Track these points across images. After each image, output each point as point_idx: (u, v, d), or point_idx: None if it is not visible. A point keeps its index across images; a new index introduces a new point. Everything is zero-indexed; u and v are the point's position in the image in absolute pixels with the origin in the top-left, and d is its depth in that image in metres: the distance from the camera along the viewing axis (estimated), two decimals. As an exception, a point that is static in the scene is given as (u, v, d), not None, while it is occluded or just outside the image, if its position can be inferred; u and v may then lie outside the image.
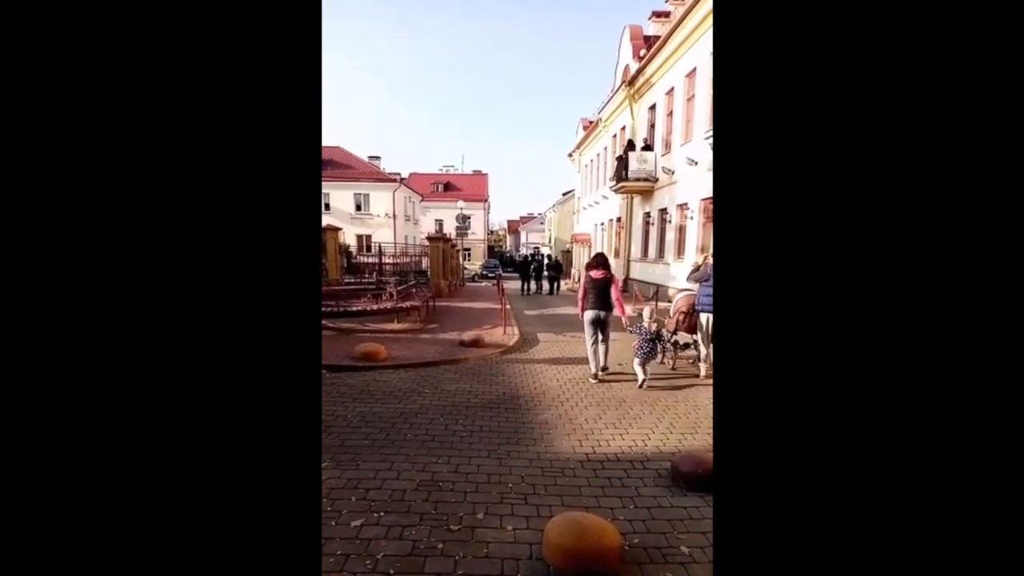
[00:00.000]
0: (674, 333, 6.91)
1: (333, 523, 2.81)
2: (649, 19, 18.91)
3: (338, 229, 16.16)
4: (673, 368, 6.80)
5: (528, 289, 20.14)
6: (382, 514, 2.93)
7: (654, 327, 5.90)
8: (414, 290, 12.00)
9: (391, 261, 19.09)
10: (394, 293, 10.79)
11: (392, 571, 2.40)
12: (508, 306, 10.68)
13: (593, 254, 6.69)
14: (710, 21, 11.40)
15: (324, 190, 32.91)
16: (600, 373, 6.22)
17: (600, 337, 6.17)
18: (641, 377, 5.85)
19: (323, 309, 9.50)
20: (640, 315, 6.24)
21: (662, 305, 7.73)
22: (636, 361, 5.93)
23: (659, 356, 6.19)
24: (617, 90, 19.29)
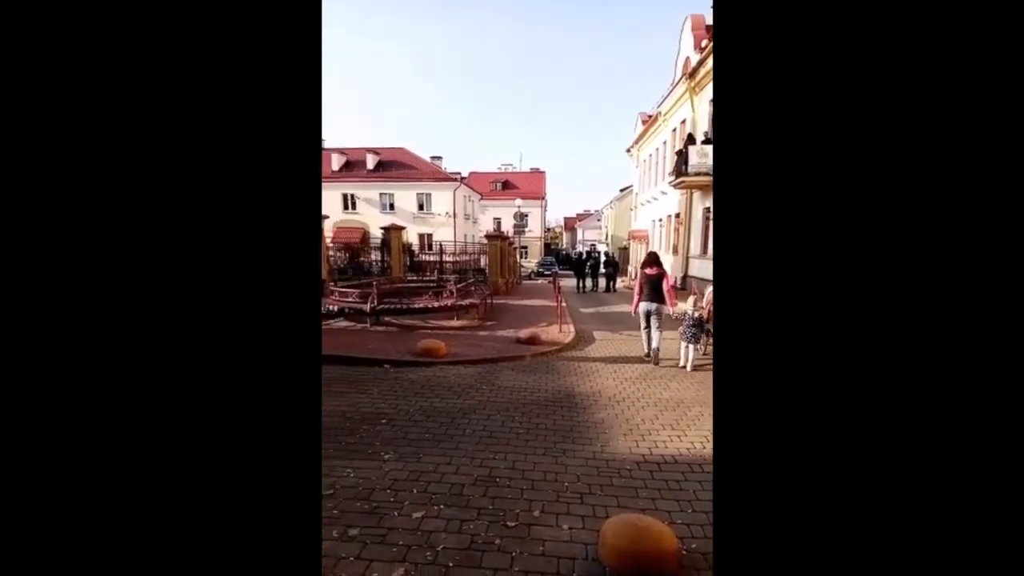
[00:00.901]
0: (707, 322, 7.62)
1: (396, 514, 2.94)
2: (711, 7, 18.28)
3: (402, 228, 16.61)
4: (704, 354, 7.37)
5: (584, 287, 20.01)
6: (442, 507, 3.03)
7: (697, 314, 6.75)
8: (473, 288, 12.19)
9: (451, 259, 19.44)
10: (454, 291, 11.00)
11: (451, 563, 2.49)
12: (564, 304, 10.67)
13: (646, 253, 7.62)
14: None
15: (389, 190, 34.01)
16: (653, 359, 7.06)
17: (653, 326, 7.05)
18: (685, 360, 6.71)
19: (387, 306, 9.84)
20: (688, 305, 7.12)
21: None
22: (682, 343, 6.79)
23: (701, 343, 7.12)
24: (677, 83, 18.78)
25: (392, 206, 33.79)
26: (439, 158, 38.69)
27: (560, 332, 9.18)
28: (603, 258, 22.40)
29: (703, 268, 16.12)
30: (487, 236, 19.25)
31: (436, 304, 10.36)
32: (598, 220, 54.94)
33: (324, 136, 36.83)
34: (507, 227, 34.89)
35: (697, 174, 15.13)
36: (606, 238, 43.66)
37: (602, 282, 20.49)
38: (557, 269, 29.88)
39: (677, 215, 19.15)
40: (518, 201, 30.09)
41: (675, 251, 18.81)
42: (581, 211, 69.44)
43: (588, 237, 55.26)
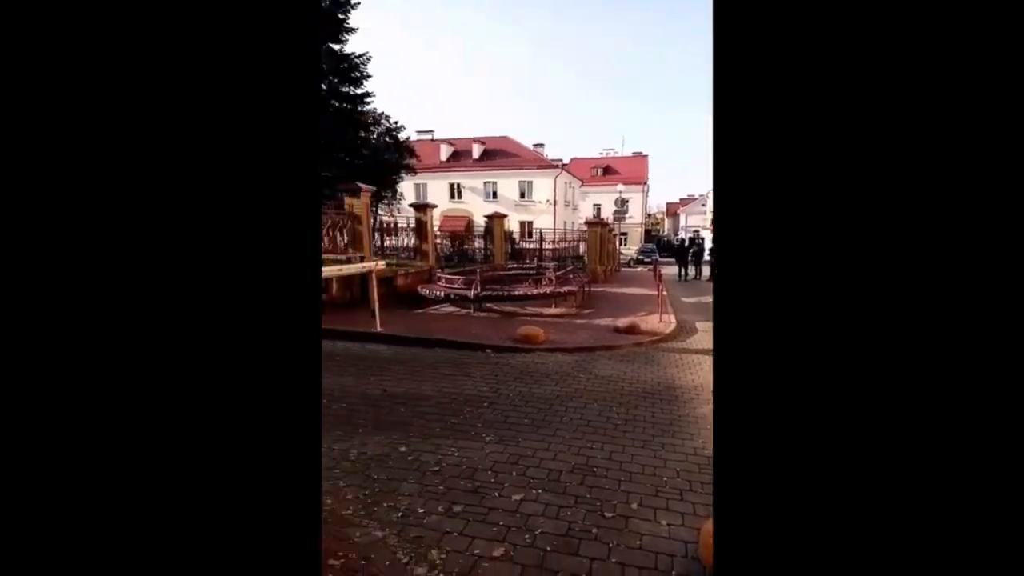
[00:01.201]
0: None
1: (496, 495, 3.07)
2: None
3: (504, 216, 16.95)
4: None
5: (686, 275, 19.25)
6: (540, 492, 3.12)
7: None
8: (571, 275, 12.19)
9: (550, 247, 19.55)
10: (552, 278, 11.08)
11: (549, 548, 2.57)
12: (665, 292, 10.37)
13: None
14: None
15: (493, 178, 34.81)
16: None
17: None
18: None
19: (488, 293, 10.14)
20: None
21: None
22: None
23: None
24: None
25: (495, 194, 34.52)
26: (541, 145, 38.85)
27: (660, 322, 8.95)
28: (707, 245, 21.40)
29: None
30: (587, 223, 19.10)
31: (535, 291, 10.50)
32: (703, 205, 52.40)
33: (432, 128, 38.33)
34: (607, 213, 34.35)
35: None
36: (711, 224, 41.53)
37: (706, 271, 19.59)
38: (658, 256, 28.96)
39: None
40: (619, 187, 29.48)
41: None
42: (684, 196, 66.52)
43: (691, 223, 52.91)
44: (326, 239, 10.80)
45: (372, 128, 19.09)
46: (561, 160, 37.89)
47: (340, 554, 2.41)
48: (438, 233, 15.18)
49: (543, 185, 34.26)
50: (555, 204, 33.88)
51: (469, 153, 35.96)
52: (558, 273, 11.62)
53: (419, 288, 10.70)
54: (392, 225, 14.63)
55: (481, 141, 36.20)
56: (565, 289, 10.76)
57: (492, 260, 15.54)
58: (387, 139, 19.38)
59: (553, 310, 10.36)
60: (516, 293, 10.40)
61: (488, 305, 10.29)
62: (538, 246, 19.29)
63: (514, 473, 3.36)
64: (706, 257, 19.94)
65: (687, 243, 22.33)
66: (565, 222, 32.27)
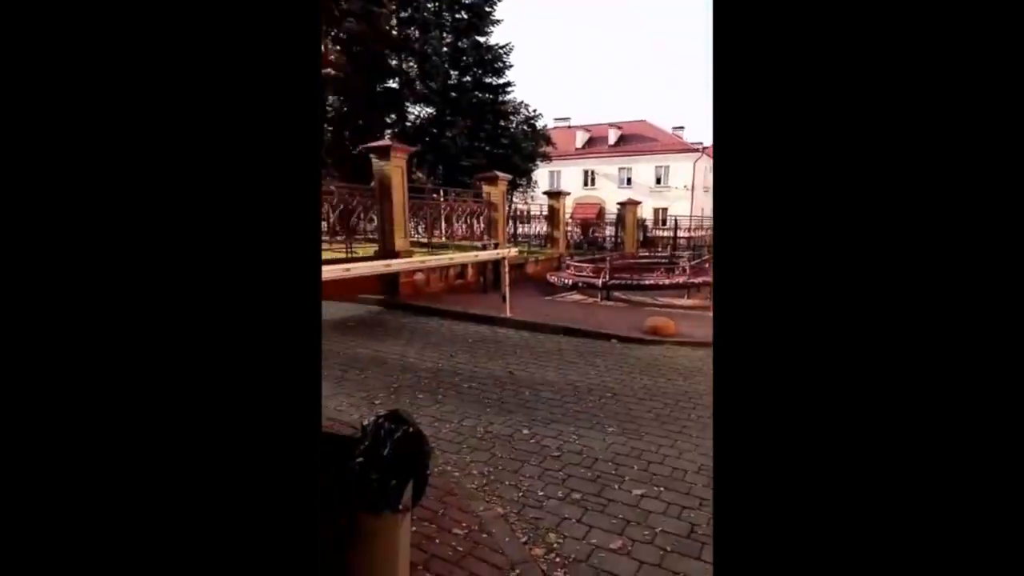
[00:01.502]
0: None
1: (616, 487, 3.05)
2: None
3: (637, 203, 16.55)
4: None
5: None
6: (662, 490, 3.04)
7: None
8: (707, 265, 11.55)
9: (685, 235, 18.69)
10: (686, 268, 10.60)
11: (669, 548, 2.50)
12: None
13: None
14: None
15: (628, 164, 34.01)
16: None
17: None
18: None
19: (617, 281, 9.98)
20: None
21: None
22: None
23: None
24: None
25: (629, 180, 33.72)
26: (681, 128, 37.07)
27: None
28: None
29: None
30: (728, 210, 17.93)
31: (667, 281, 10.12)
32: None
33: (570, 115, 38.19)
34: (753, 200, 31.77)
35: None
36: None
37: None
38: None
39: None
40: (768, 171, 27.11)
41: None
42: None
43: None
44: (464, 226, 11.36)
45: (511, 117, 19.56)
46: (702, 143, 35.80)
47: (464, 525, 2.56)
48: (568, 221, 15.22)
49: (681, 170, 32.71)
50: (692, 190, 32.18)
51: (604, 139, 35.40)
52: (692, 262, 11.09)
53: (548, 275, 10.84)
54: (525, 212, 14.96)
55: (617, 126, 35.44)
56: (700, 279, 10.23)
57: (622, 248, 15.25)
58: (525, 128, 19.74)
59: (686, 301, 9.90)
60: (646, 282, 10.11)
61: (616, 294, 10.13)
62: (672, 234, 18.54)
63: (635, 467, 3.30)
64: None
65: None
66: (703, 208, 30.52)
